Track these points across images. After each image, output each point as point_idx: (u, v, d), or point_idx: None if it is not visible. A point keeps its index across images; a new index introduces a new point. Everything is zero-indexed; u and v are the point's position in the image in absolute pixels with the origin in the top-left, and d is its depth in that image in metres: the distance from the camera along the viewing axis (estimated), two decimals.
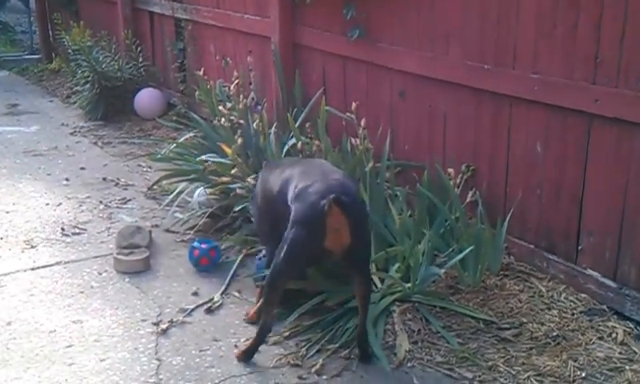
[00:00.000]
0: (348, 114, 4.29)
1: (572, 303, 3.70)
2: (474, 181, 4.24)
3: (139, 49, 7.77)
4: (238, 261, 4.27)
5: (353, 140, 4.31)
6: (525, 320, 3.58)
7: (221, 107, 4.67)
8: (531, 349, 3.38)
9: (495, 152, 4.11)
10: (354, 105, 4.28)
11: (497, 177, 4.12)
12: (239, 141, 4.47)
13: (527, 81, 3.82)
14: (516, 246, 4.06)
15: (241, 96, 4.74)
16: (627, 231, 3.52)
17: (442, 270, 3.72)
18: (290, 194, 3.19)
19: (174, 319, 3.69)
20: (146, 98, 7.50)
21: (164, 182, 5.33)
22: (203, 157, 4.80)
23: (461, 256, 3.72)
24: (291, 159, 3.54)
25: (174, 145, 5.35)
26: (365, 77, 4.93)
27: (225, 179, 4.46)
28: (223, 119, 4.57)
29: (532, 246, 4.00)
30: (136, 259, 4.23)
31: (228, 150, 4.39)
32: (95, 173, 6.00)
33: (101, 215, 5.07)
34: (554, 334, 3.46)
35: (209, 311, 3.80)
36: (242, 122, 4.50)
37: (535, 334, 3.47)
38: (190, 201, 4.84)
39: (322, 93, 5.12)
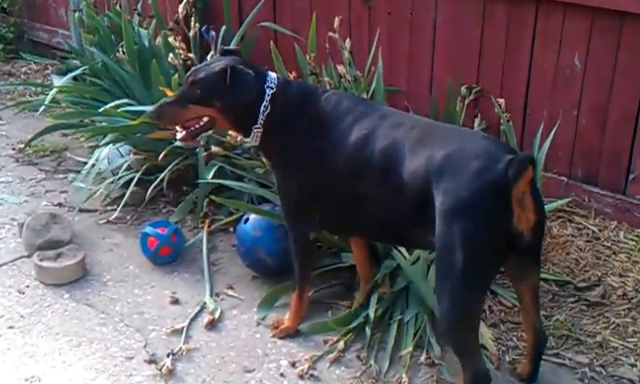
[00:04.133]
0: (331, 33, 3.29)
1: (635, 242, 3.17)
2: (478, 105, 3.49)
3: None
4: (204, 243, 3.20)
5: (339, 67, 3.32)
6: (599, 272, 3.00)
7: (171, 39, 3.34)
8: (630, 310, 2.81)
9: (511, 68, 3.41)
10: (336, 21, 3.28)
11: (513, 99, 3.41)
12: None
13: None
14: (542, 178, 3.40)
15: (192, 20, 3.45)
16: None
17: None
18: (413, 168, 2.20)
19: (175, 349, 2.61)
20: None
21: (39, 139, 3.98)
22: (112, 104, 3.54)
23: None
24: (354, 107, 2.44)
25: (55, 90, 3.88)
26: None
27: (159, 134, 3.30)
28: (171, 55, 3.29)
29: (564, 179, 3.38)
30: (70, 264, 3.00)
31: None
32: None
33: None
34: None
35: (211, 326, 2.76)
36: (191, 55, 3.28)
37: (623, 289, 2.91)
38: (86, 163, 3.59)
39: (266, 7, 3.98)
